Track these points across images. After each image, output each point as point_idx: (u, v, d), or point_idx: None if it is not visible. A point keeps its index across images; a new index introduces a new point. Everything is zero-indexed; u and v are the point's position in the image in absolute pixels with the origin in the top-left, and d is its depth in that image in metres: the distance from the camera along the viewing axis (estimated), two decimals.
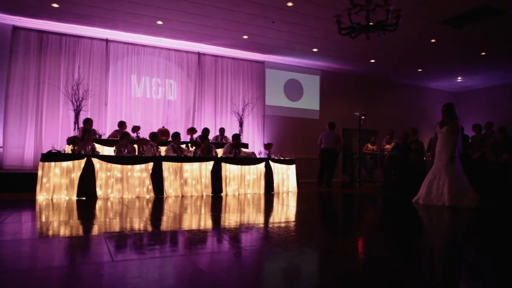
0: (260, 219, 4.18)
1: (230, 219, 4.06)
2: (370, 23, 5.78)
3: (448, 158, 5.49)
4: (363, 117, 9.75)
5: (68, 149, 6.67)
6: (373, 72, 12.57)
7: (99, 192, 6.17)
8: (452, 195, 5.33)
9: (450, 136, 5.58)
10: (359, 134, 10.00)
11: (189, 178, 6.86)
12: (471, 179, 5.60)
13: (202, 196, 6.74)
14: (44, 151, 6.47)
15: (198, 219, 4.18)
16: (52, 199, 5.77)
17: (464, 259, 2.67)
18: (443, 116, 5.79)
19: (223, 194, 7.10)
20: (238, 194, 7.18)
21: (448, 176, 5.43)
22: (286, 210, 5.12)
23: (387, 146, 10.35)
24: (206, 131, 8.86)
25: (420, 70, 12.10)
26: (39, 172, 5.90)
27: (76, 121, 8.18)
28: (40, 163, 5.94)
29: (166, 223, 3.88)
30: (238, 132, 9.68)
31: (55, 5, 7.58)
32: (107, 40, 9.24)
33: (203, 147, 7.54)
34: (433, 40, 9.31)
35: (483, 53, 10.20)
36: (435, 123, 5.97)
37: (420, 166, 7.16)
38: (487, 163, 6.82)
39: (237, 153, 7.83)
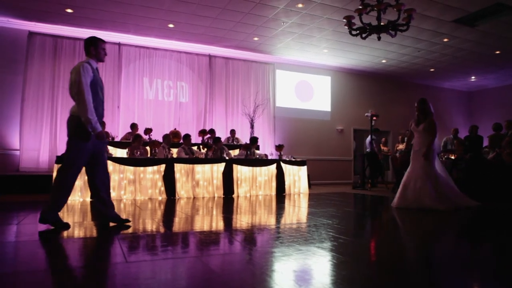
0: (271, 221, 4.18)
1: (242, 221, 4.07)
2: (381, 23, 5.74)
3: (424, 157, 5.14)
4: (375, 118, 9.67)
5: None
6: (385, 72, 12.47)
7: (112, 193, 6.24)
8: (431, 198, 4.96)
9: (428, 134, 5.24)
10: (371, 135, 9.92)
11: (200, 180, 6.90)
12: (485, 180, 5.49)
13: (214, 197, 6.77)
14: (59, 154, 6.59)
15: (209, 220, 4.20)
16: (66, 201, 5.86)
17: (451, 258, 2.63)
18: (418, 113, 5.42)
19: (234, 195, 7.12)
20: (250, 196, 7.19)
21: (427, 178, 5.08)
22: (297, 212, 5.12)
23: (400, 146, 10.25)
24: (213, 132, 8.94)
25: (432, 70, 11.96)
26: (54, 174, 6.00)
27: None
28: (55, 165, 6.04)
29: (178, 225, 3.91)
30: (250, 134, 9.71)
31: (69, 10, 7.72)
32: (119, 44, 9.37)
33: (215, 149, 7.58)
34: (446, 40, 9.20)
35: (497, 52, 10.03)
36: (410, 121, 5.54)
37: None
38: (502, 164, 6.69)
39: (249, 154, 7.85)
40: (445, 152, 8.70)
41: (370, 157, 9.45)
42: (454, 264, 2.45)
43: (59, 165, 5.97)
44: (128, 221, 3.72)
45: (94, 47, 3.53)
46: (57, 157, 6.17)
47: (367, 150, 9.66)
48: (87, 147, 3.42)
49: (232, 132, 9.67)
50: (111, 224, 3.65)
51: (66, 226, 3.42)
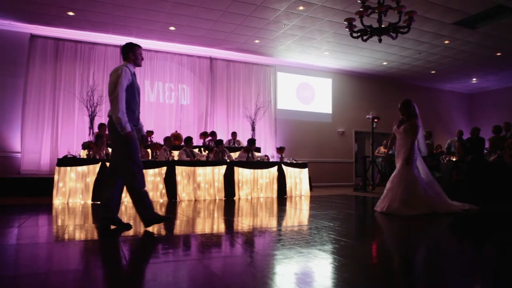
0: (273, 223, 4.18)
1: (243, 223, 4.06)
2: (382, 26, 5.75)
3: (404, 160, 4.94)
4: (376, 120, 9.67)
5: (83, 154, 6.78)
6: (386, 75, 12.47)
7: None
8: (400, 201, 4.75)
9: (408, 136, 5.02)
10: (372, 137, 9.91)
11: (202, 182, 6.90)
12: (486, 182, 5.40)
13: (215, 200, 6.77)
14: (60, 156, 6.60)
15: (211, 223, 4.19)
16: (68, 203, 5.87)
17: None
18: (401, 114, 5.23)
19: (235, 198, 7.11)
20: (251, 198, 7.18)
21: (401, 181, 4.89)
22: (299, 214, 5.11)
23: None
24: (214, 134, 8.95)
25: (433, 72, 11.96)
26: (55, 177, 6.01)
27: (91, 126, 8.32)
28: (56, 168, 6.05)
29: (179, 227, 3.91)
30: (251, 137, 9.71)
31: (70, 13, 7.75)
32: (121, 47, 9.38)
33: (216, 151, 7.58)
34: (447, 42, 9.20)
35: (498, 54, 10.03)
36: (394, 122, 5.32)
37: (435, 169, 7.06)
38: (504, 166, 6.67)
39: (250, 157, 7.84)
40: (447, 154, 8.68)
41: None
42: (456, 267, 2.44)
43: (60, 168, 6.00)
44: (130, 227, 3.68)
45: (132, 52, 3.62)
46: (58, 159, 6.17)
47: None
48: (135, 144, 3.49)
49: (234, 134, 9.68)
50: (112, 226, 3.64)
51: (168, 218, 3.77)
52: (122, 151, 3.44)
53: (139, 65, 3.70)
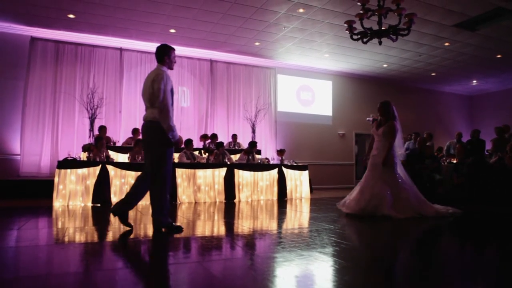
0: (273, 226, 4.16)
1: (243, 226, 4.05)
2: (382, 28, 5.75)
3: (383, 163, 4.82)
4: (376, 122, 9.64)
5: (83, 156, 6.78)
6: (386, 77, 12.48)
7: (114, 198, 6.24)
8: (388, 206, 4.61)
9: (387, 138, 4.92)
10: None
11: (202, 185, 6.89)
12: (487, 184, 5.35)
13: (215, 202, 6.76)
14: (60, 159, 6.59)
15: (211, 225, 4.18)
16: (68, 206, 5.86)
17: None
18: (379, 116, 5.13)
19: (236, 200, 7.10)
20: (251, 201, 7.17)
21: (385, 185, 4.75)
22: (299, 217, 5.09)
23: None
24: (214, 137, 8.93)
25: (433, 74, 11.96)
26: (56, 179, 6.00)
27: (91, 129, 8.32)
28: (57, 170, 6.04)
29: None
30: (251, 139, 9.71)
31: (71, 16, 7.76)
32: (121, 49, 9.40)
33: (216, 154, 7.57)
34: (447, 44, 9.21)
35: (498, 56, 10.03)
36: (372, 124, 5.21)
37: (435, 171, 7.04)
38: (504, 168, 6.67)
39: (250, 159, 7.84)
40: (447, 156, 8.67)
41: None
42: (458, 269, 2.43)
43: (61, 170, 5.99)
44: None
45: (168, 56, 3.63)
46: (59, 162, 6.17)
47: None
48: (172, 151, 3.59)
49: (234, 137, 9.67)
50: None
51: (180, 228, 3.55)
52: (160, 157, 3.48)
53: (172, 69, 3.72)
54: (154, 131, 3.47)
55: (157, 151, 3.48)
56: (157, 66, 3.62)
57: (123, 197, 3.69)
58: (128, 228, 3.62)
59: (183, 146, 7.27)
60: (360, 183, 5.07)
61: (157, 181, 3.48)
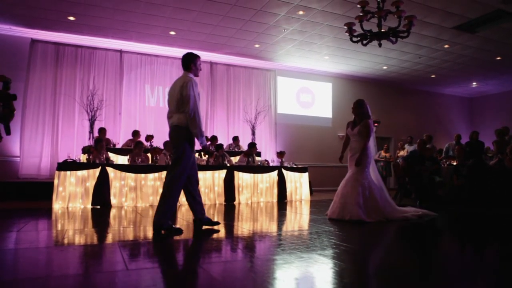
0: (273, 228, 4.16)
1: (243, 228, 4.05)
2: (382, 30, 5.76)
3: (356, 163, 4.70)
4: (376, 124, 9.66)
5: (83, 158, 6.77)
6: (386, 79, 12.49)
7: (113, 200, 6.23)
8: (357, 207, 4.44)
9: (362, 138, 4.80)
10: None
11: (202, 187, 6.88)
12: (487, 185, 5.34)
13: (215, 204, 6.75)
14: (60, 160, 6.59)
15: (211, 227, 4.17)
16: (67, 208, 5.85)
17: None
18: (354, 115, 5.02)
19: (236, 202, 7.09)
20: (251, 203, 7.16)
21: (356, 186, 4.60)
22: (299, 219, 5.09)
23: (401, 153, 10.23)
24: (214, 139, 8.93)
25: (433, 76, 11.97)
26: (55, 181, 6.00)
27: (91, 131, 8.32)
28: (56, 172, 6.04)
29: None
30: (251, 141, 9.70)
31: (71, 18, 7.77)
32: (121, 51, 9.41)
33: (216, 156, 7.57)
34: (446, 46, 9.22)
35: (498, 58, 10.05)
36: (347, 124, 5.10)
37: (436, 173, 7.05)
38: (504, 170, 6.67)
39: (250, 161, 7.83)
40: (446, 158, 8.67)
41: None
42: (457, 271, 2.43)
43: (60, 172, 5.99)
44: (218, 223, 3.90)
45: (194, 63, 3.75)
46: (58, 164, 6.16)
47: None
48: (193, 156, 3.75)
49: (235, 139, 9.64)
50: (204, 227, 3.85)
51: (179, 231, 3.57)
52: (181, 161, 3.58)
53: (198, 76, 3.85)
54: (179, 135, 3.59)
55: (182, 155, 3.59)
56: (184, 73, 3.74)
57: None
58: (131, 232, 3.61)
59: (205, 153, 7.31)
60: (341, 187, 4.90)
61: (172, 184, 3.57)
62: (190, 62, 3.72)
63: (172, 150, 3.83)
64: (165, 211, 3.54)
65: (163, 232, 3.53)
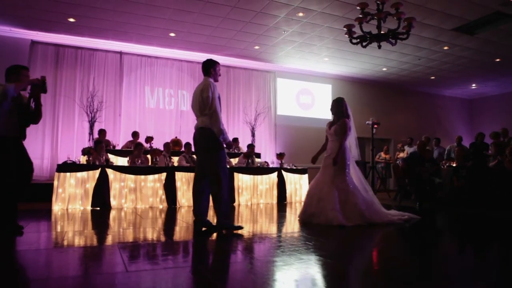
0: (273, 229, 4.16)
1: (243, 229, 4.04)
2: (381, 32, 5.77)
3: (333, 163, 4.48)
4: (376, 126, 9.66)
5: (83, 159, 6.77)
6: (386, 80, 12.49)
7: (113, 202, 6.23)
8: (334, 211, 4.23)
9: (337, 138, 4.63)
10: (372, 143, 9.91)
11: None
12: (487, 186, 5.32)
13: None
14: (60, 162, 6.59)
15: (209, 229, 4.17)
16: (67, 209, 5.85)
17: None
18: (333, 114, 4.90)
19: (235, 204, 7.09)
20: (251, 204, 7.16)
21: (333, 188, 4.39)
22: (299, 220, 5.08)
23: (401, 154, 10.24)
24: None
25: (433, 78, 11.98)
26: (55, 183, 6.00)
27: (91, 132, 8.32)
28: (56, 174, 6.04)
29: (179, 233, 3.89)
30: (251, 142, 9.71)
31: (71, 19, 7.78)
32: (121, 53, 9.42)
33: None
34: (446, 48, 9.23)
35: (497, 60, 10.06)
36: (327, 123, 4.98)
37: (435, 175, 7.05)
38: (504, 171, 6.67)
39: (249, 163, 7.83)
40: (447, 160, 8.67)
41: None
42: (457, 272, 2.43)
43: (60, 174, 5.99)
44: (241, 227, 3.90)
45: (213, 68, 3.93)
46: (58, 165, 6.16)
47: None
48: (225, 153, 3.90)
49: (235, 140, 9.64)
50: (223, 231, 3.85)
51: (240, 227, 3.85)
52: (215, 160, 3.76)
53: (217, 81, 3.99)
54: (207, 137, 3.75)
55: (213, 155, 3.75)
56: (204, 78, 3.91)
57: (196, 215, 3.88)
58: (130, 234, 3.61)
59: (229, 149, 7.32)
60: (309, 188, 4.73)
61: (217, 184, 3.74)
62: (210, 68, 3.91)
63: (197, 151, 3.98)
64: (224, 212, 3.78)
65: (224, 231, 3.74)
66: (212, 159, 3.76)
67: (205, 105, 3.72)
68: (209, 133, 3.72)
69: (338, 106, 4.87)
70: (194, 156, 7.79)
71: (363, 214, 4.33)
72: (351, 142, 4.86)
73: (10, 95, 3.46)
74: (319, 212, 4.35)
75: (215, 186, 3.75)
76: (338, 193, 4.39)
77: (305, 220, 4.51)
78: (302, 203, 4.76)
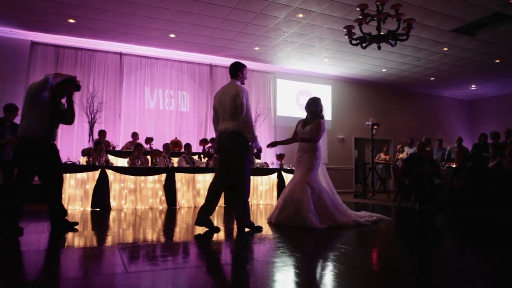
0: (272, 230, 4.15)
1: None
2: (381, 33, 5.78)
3: (307, 167, 4.41)
4: (375, 127, 9.67)
5: (83, 160, 6.77)
6: (385, 81, 12.51)
7: (113, 203, 6.23)
8: (308, 213, 4.12)
9: (311, 137, 4.51)
10: (372, 143, 9.92)
11: (201, 189, 6.88)
12: (486, 188, 5.33)
13: None
14: None
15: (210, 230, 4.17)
16: (67, 210, 5.83)
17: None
18: (307, 113, 4.81)
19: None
20: (251, 205, 7.14)
21: (306, 190, 4.28)
22: None
23: (400, 155, 10.24)
24: (214, 141, 8.92)
25: (432, 79, 12.00)
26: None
27: (91, 133, 8.32)
28: None
29: (179, 234, 3.89)
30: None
31: (71, 20, 7.79)
32: (121, 54, 9.42)
33: (216, 158, 7.57)
34: (445, 49, 9.24)
35: (497, 61, 10.07)
36: (297, 122, 4.92)
37: (435, 175, 7.05)
38: (503, 172, 6.68)
39: None
40: (447, 161, 8.67)
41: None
42: (457, 272, 2.43)
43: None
44: (219, 230, 3.91)
45: (241, 71, 4.10)
46: None
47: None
48: (251, 158, 4.09)
49: None
50: (246, 229, 3.94)
51: (260, 228, 3.96)
52: (244, 164, 3.92)
53: (244, 84, 4.11)
54: (237, 141, 3.88)
55: (243, 159, 3.91)
56: (232, 81, 4.05)
57: (203, 205, 3.96)
58: (130, 234, 3.61)
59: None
60: (284, 190, 4.64)
61: (243, 185, 3.90)
62: (238, 70, 4.06)
63: (224, 153, 4.03)
64: (248, 211, 3.92)
65: (246, 230, 3.87)
66: (241, 162, 3.90)
67: (238, 111, 3.83)
68: (242, 138, 3.87)
69: (314, 105, 4.79)
70: (195, 157, 7.84)
71: (333, 216, 4.27)
72: (322, 144, 4.70)
73: (49, 84, 3.60)
74: (295, 214, 4.24)
75: (241, 187, 3.89)
76: (312, 194, 4.28)
77: (282, 222, 4.35)
78: (276, 206, 4.56)
